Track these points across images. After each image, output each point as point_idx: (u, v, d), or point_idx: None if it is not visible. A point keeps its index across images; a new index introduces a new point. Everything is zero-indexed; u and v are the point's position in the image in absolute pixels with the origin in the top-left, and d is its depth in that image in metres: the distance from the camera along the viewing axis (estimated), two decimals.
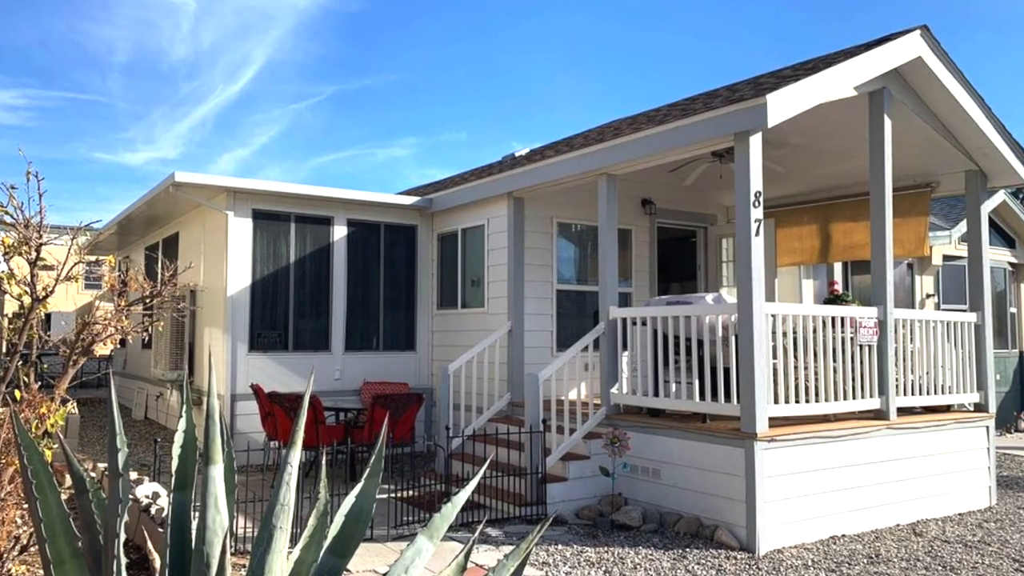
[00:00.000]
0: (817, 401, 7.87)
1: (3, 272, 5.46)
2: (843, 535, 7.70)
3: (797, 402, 7.74)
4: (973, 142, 9.47)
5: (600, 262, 9.25)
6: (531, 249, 10.97)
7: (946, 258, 15.90)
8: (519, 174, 10.53)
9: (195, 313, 12.62)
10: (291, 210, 11.63)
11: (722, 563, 6.67)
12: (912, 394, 8.87)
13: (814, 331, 7.93)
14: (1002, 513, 8.90)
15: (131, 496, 6.38)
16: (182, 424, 2.76)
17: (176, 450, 2.73)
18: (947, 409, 9.41)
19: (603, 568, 6.46)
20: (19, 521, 5.60)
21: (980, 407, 9.64)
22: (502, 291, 10.85)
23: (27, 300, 5.56)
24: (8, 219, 5.37)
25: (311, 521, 2.72)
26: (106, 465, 5.71)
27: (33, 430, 5.25)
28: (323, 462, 2.93)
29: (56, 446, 5.75)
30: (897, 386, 8.62)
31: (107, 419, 2.84)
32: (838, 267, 12.92)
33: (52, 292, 5.63)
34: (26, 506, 5.29)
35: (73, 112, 79.24)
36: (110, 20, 72.76)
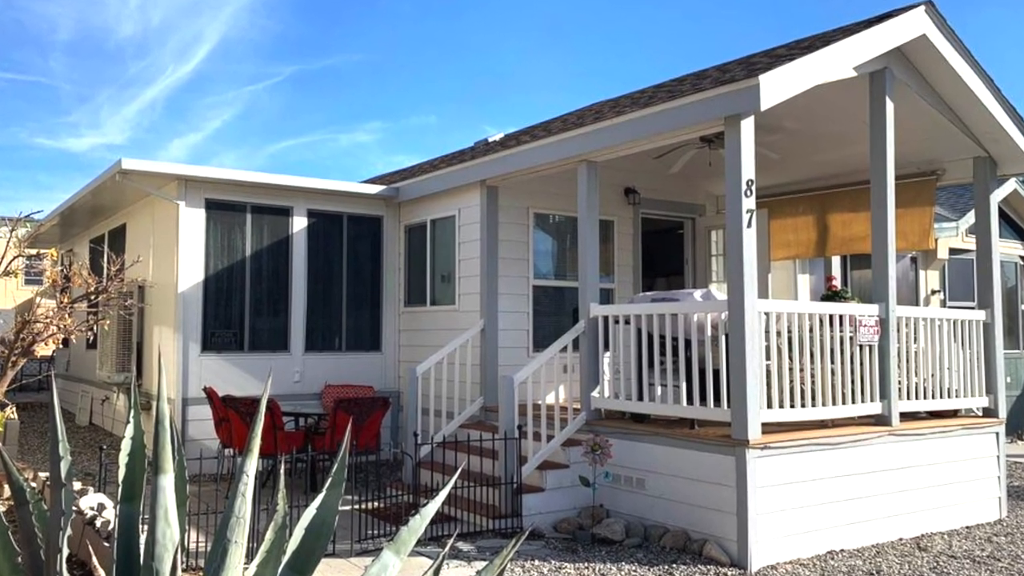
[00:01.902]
0: (814, 405, 7.94)
1: None
2: (842, 550, 7.78)
3: (792, 407, 7.81)
4: (981, 126, 9.57)
5: (580, 256, 9.30)
6: (506, 242, 11.01)
7: (952, 251, 16.05)
8: (492, 161, 10.55)
9: (143, 311, 12.57)
10: (247, 200, 11.61)
11: None
12: (916, 398, 8.95)
13: (810, 330, 8.01)
14: (1013, 526, 9.01)
15: (75, 508, 6.36)
16: (129, 430, 2.78)
17: (123, 458, 2.75)
18: (954, 414, 9.49)
19: None
20: None
21: (989, 412, 9.75)
22: (474, 287, 10.88)
23: None
24: None
25: (268, 535, 2.75)
26: (48, 474, 5.71)
27: None
28: (281, 471, 2.96)
29: None
30: (900, 389, 8.70)
31: (49, 425, 2.86)
32: (836, 261, 13.03)
33: None
34: None
35: (12, 94, 78.34)
36: None
